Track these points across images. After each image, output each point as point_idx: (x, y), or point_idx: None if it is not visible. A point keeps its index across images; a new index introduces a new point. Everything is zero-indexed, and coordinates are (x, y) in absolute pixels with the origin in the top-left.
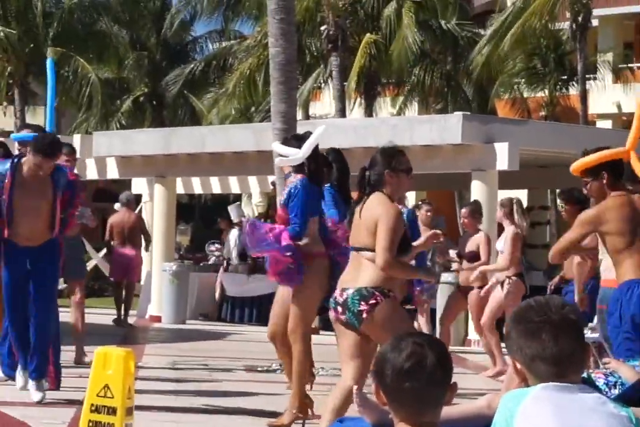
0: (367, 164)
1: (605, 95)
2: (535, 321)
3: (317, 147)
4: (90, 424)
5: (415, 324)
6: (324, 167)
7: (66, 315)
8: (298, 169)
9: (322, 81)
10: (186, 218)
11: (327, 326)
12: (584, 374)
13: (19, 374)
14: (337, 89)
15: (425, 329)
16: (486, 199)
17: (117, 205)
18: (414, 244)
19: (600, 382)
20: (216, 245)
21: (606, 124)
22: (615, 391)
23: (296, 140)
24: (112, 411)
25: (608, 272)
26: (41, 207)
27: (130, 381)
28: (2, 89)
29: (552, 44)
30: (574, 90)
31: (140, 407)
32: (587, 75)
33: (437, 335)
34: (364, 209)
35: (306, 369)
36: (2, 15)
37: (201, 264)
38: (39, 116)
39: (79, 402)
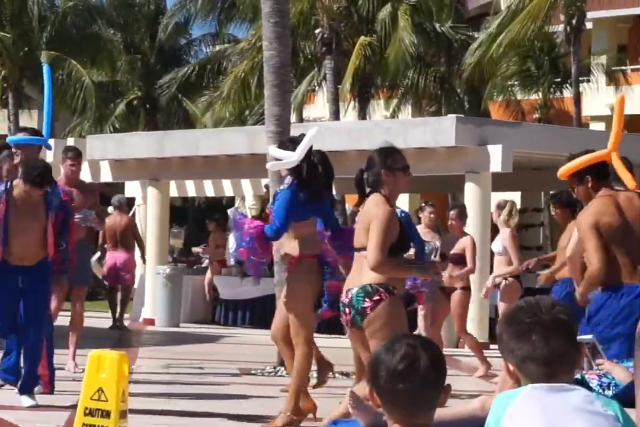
0: (365, 166)
1: (598, 98)
2: (526, 322)
3: (311, 149)
4: None
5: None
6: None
7: (62, 319)
8: (292, 172)
9: (316, 84)
10: (180, 221)
11: (321, 328)
12: (578, 375)
13: None
14: (331, 92)
15: (424, 334)
16: (480, 201)
17: (109, 209)
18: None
19: (594, 383)
20: (201, 247)
21: (599, 126)
22: (609, 392)
23: (292, 143)
24: (106, 414)
25: None
26: (34, 228)
27: (124, 384)
28: None
29: (546, 46)
30: (567, 93)
31: (134, 411)
32: (580, 78)
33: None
34: (362, 211)
35: (307, 373)
36: None
37: (194, 267)
38: (33, 120)
39: (73, 406)
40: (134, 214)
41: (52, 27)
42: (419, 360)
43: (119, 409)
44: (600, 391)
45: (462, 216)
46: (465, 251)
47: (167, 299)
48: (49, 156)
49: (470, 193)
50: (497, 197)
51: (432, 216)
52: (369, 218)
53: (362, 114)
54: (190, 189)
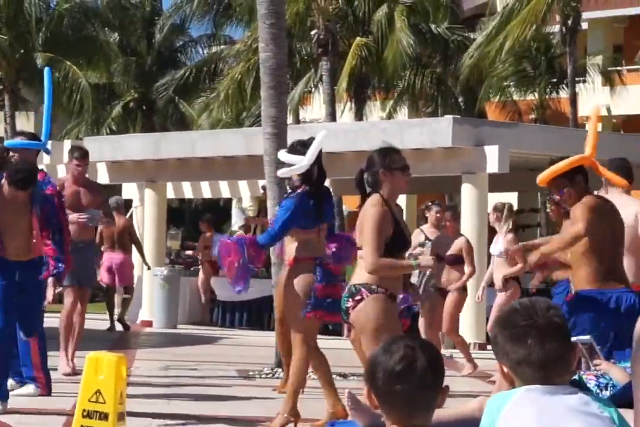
0: (364, 166)
1: (594, 98)
2: (521, 326)
3: (320, 152)
4: None
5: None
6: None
7: (53, 320)
8: (303, 176)
9: (312, 86)
10: (177, 222)
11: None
12: (576, 376)
13: None
14: (327, 93)
15: (423, 333)
16: (476, 201)
17: None
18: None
19: (591, 384)
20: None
21: None
22: (607, 393)
23: (302, 146)
24: (104, 416)
25: None
26: (21, 225)
27: (122, 386)
28: None
29: (542, 47)
30: (564, 93)
31: (131, 413)
32: (576, 78)
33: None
34: (360, 211)
35: (303, 375)
36: None
37: (192, 269)
38: (30, 122)
39: (71, 408)
40: (131, 216)
41: (48, 29)
42: (416, 361)
43: (116, 411)
44: (598, 391)
45: (458, 217)
46: (463, 253)
47: (165, 301)
48: (45, 158)
49: (467, 194)
50: (493, 197)
51: (438, 215)
52: (363, 219)
53: (359, 115)
54: (187, 190)
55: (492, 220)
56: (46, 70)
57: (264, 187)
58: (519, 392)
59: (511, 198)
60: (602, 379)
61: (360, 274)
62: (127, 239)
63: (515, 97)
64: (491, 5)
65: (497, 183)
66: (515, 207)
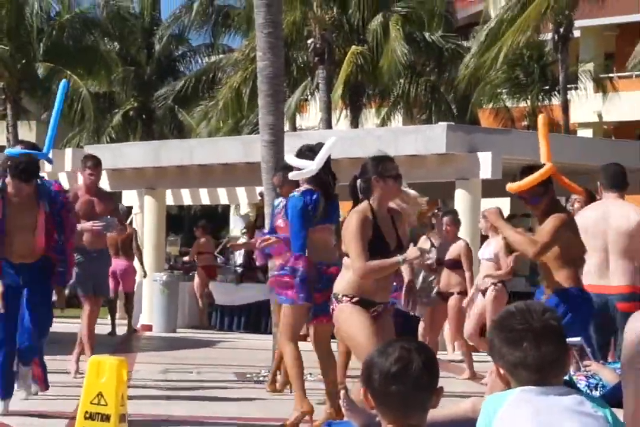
0: (358, 173)
1: (586, 105)
2: (517, 329)
3: (329, 158)
4: None
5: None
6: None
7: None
8: (311, 180)
9: (308, 93)
10: (176, 229)
11: None
12: (566, 377)
13: None
14: (323, 101)
15: (422, 337)
16: (469, 207)
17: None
18: None
19: (582, 384)
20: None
21: (587, 133)
22: (596, 393)
23: (310, 151)
24: (105, 417)
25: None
26: (29, 225)
27: (123, 389)
28: None
29: (534, 54)
30: (556, 100)
31: (132, 414)
32: (568, 85)
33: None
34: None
35: (298, 371)
36: None
37: (190, 274)
38: (32, 131)
39: (73, 410)
40: (131, 223)
41: (49, 39)
42: (412, 363)
43: (118, 413)
44: (588, 391)
45: (457, 221)
46: (462, 257)
47: (164, 306)
48: (47, 166)
49: (461, 199)
50: (486, 203)
51: (448, 228)
52: (345, 227)
53: (354, 122)
54: (186, 197)
55: (482, 226)
56: (63, 82)
57: (261, 194)
58: (515, 393)
59: (504, 204)
60: (592, 380)
61: (336, 283)
62: (130, 246)
63: (508, 104)
64: (485, 14)
65: (490, 189)
66: (507, 213)
